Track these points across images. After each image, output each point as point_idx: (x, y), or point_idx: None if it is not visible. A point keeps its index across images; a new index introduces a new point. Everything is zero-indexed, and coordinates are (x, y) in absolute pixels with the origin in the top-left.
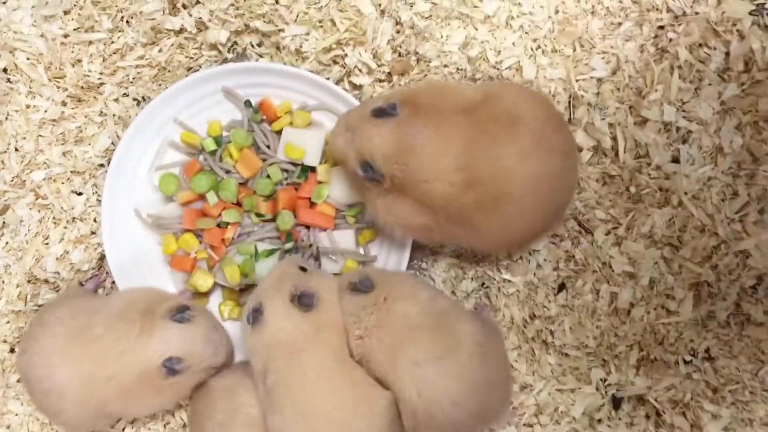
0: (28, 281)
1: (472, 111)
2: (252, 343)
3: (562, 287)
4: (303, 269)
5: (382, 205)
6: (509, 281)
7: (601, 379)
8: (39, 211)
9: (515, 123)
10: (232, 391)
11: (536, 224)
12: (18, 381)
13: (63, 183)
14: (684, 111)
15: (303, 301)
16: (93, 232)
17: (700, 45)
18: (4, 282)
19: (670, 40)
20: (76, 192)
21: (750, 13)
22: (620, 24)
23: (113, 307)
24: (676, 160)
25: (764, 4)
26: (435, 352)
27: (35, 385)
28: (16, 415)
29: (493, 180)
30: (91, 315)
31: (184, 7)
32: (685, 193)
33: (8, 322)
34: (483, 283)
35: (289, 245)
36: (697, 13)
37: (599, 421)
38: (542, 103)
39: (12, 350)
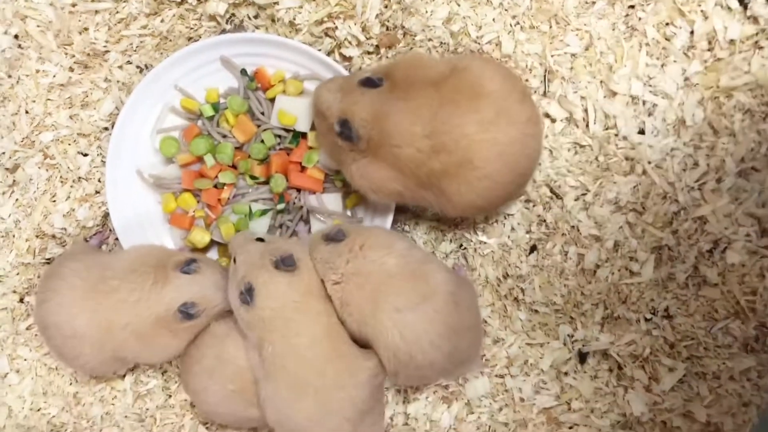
0: (37, 236)
1: (441, 83)
2: (248, 319)
3: (533, 249)
4: (261, 240)
5: (356, 169)
6: (485, 243)
7: (568, 335)
8: (47, 170)
9: (478, 95)
10: (222, 341)
11: (498, 190)
12: (27, 329)
13: (70, 144)
14: (650, 86)
15: (286, 262)
16: (97, 192)
17: (667, 24)
18: (14, 236)
19: (639, 18)
20: (82, 153)
21: None
22: (594, 3)
23: (125, 262)
24: (641, 131)
25: None
26: (413, 299)
27: (55, 332)
28: (25, 360)
29: (456, 147)
30: (105, 269)
31: None
32: (649, 163)
33: (18, 274)
34: (461, 245)
35: (281, 206)
36: None
37: (566, 373)
38: (506, 76)
39: (21, 300)
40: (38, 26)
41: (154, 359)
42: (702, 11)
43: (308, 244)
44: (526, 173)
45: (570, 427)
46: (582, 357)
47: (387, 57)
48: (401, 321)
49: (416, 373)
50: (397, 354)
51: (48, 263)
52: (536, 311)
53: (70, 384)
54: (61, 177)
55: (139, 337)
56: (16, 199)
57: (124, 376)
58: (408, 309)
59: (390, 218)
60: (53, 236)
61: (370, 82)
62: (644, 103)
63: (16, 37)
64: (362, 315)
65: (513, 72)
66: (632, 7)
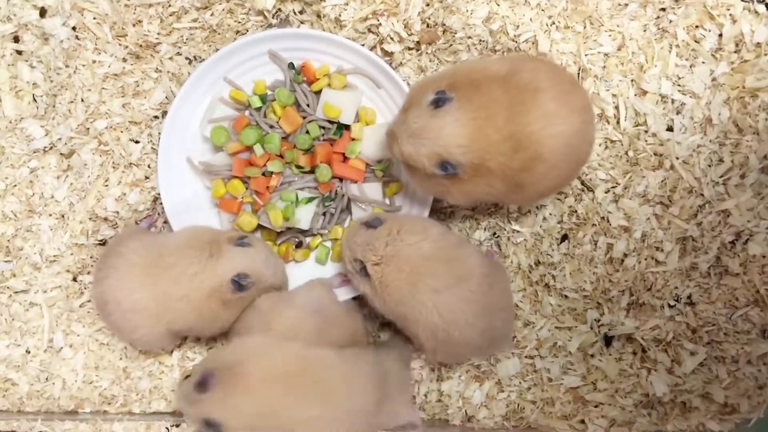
0: (90, 218)
1: (502, 85)
2: None
3: (564, 238)
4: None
5: (458, 191)
6: (518, 231)
7: (595, 320)
8: (101, 156)
9: (537, 91)
10: (266, 315)
11: (563, 177)
12: (80, 306)
13: (122, 132)
14: (679, 85)
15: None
16: (147, 177)
17: (697, 26)
18: (68, 218)
19: (670, 21)
20: (133, 140)
21: (742, 0)
22: (627, 5)
23: (181, 240)
24: (670, 128)
25: None
26: (449, 281)
27: (114, 307)
28: (78, 335)
29: (529, 144)
30: (160, 248)
31: None
32: (677, 158)
33: (72, 254)
34: (494, 233)
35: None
36: None
37: (592, 356)
38: (554, 70)
39: (74, 279)
40: (95, 18)
41: (206, 331)
42: (731, 15)
43: (348, 230)
44: (585, 159)
45: (595, 406)
46: (608, 340)
47: (427, 53)
48: (440, 301)
49: (453, 350)
50: (436, 332)
51: (101, 245)
52: (566, 297)
53: (120, 359)
54: (113, 162)
55: (194, 308)
56: (71, 183)
57: (172, 351)
58: (445, 290)
59: (428, 207)
60: (105, 219)
61: (440, 101)
62: (673, 101)
63: (73, 28)
64: (401, 295)
65: (559, 66)
66: (663, 9)
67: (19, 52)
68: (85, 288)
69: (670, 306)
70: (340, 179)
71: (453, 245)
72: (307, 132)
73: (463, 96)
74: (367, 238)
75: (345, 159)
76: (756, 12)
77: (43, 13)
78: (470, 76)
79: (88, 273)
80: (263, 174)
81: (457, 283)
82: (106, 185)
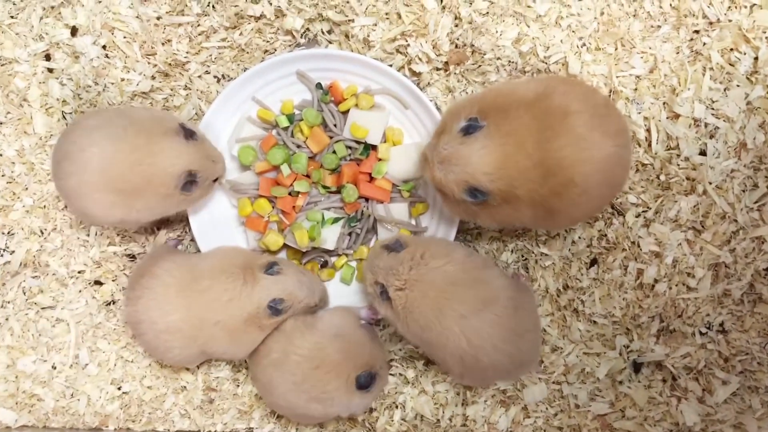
0: (118, 234)
1: (531, 109)
2: None
3: (594, 262)
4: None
5: (487, 217)
6: (546, 255)
7: (624, 346)
8: None
9: (568, 115)
10: (289, 336)
11: (596, 203)
12: (107, 321)
13: None
14: (713, 109)
15: None
16: None
17: (731, 49)
18: (97, 233)
19: (704, 43)
20: None
21: None
22: (659, 27)
23: (214, 263)
24: (703, 152)
25: None
26: (476, 305)
27: (148, 327)
28: (104, 352)
29: (559, 169)
30: (193, 270)
31: None
32: (710, 183)
33: (99, 269)
34: (522, 256)
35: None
36: (730, 21)
37: (620, 382)
38: (587, 92)
39: (101, 295)
40: (125, 37)
41: (240, 354)
42: (767, 38)
43: (369, 253)
44: (621, 183)
45: None
46: (637, 367)
47: (455, 73)
48: (467, 326)
49: (480, 375)
50: (464, 358)
51: (131, 260)
52: (594, 322)
53: (145, 377)
54: None
55: (229, 333)
56: None
57: (199, 367)
58: (472, 315)
59: (455, 228)
60: (132, 234)
61: (471, 128)
62: (706, 125)
63: (104, 47)
64: (426, 321)
65: (592, 87)
66: (697, 32)
67: (50, 70)
68: (112, 304)
69: (701, 333)
70: (367, 199)
71: (478, 267)
72: (334, 152)
73: (492, 122)
74: (390, 262)
75: (371, 179)
76: None
77: (74, 32)
78: (499, 101)
79: (127, 291)
80: (290, 194)
81: (484, 307)
82: None
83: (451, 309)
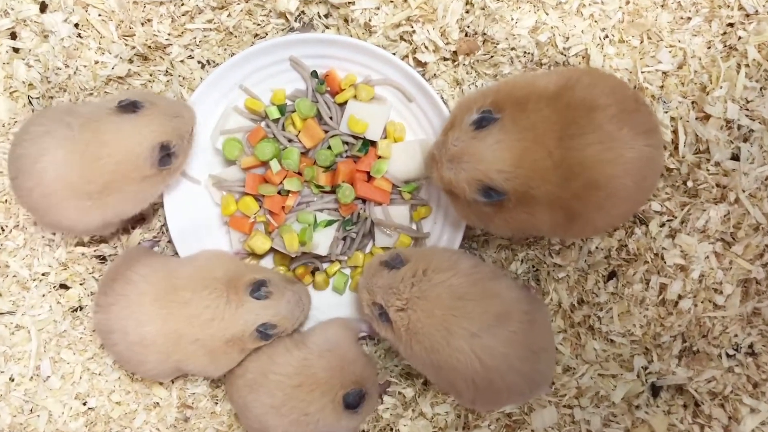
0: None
1: (552, 102)
2: None
3: (612, 275)
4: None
5: (502, 221)
6: (559, 266)
7: (642, 367)
8: None
9: (594, 110)
10: (270, 355)
11: (624, 208)
12: (72, 329)
13: None
14: (748, 110)
15: None
16: None
17: None
18: (62, 234)
19: (740, 38)
20: None
21: None
22: (690, 19)
23: (194, 273)
24: (735, 157)
25: None
26: (487, 321)
27: (120, 337)
28: (68, 363)
29: (582, 170)
30: (171, 277)
31: None
32: (743, 191)
33: (65, 272)
34: (533, 266)
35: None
36: None
37: (637, 407)
38: (615, 86)
39: (66, 300)
40: (100, 15)
41: (216, 373)
42: None
43: (365, 269)
44: (651, 187)
45: None
46: (656, 391)
47: (464, 64)
48: (479, 346)
49: (494, 398)
50: (476, 380)
51: (102, 262)
52: (612, 341)
53: (113, 391)
54: None
55: (208, 352)
56: None
57: (173, 381)
58: (484, 332)
59: (460, 235)
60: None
61: (484, 121)
62: (740, 127)
63: (76, 25)
64: (432, 342)
65: (621, 80)
66: (731, 25)
67: (16, 50)
68: (79, 310)
69: (728, 355)
70: (364, 201)
71: (487, 278)
72: (329, 147)
73: (507, 116)
74: (389, 280)
75: (370, 179)
76: None
77: (43, 8)
78: (516, 92)
79: (83, 295)
80: (279, 192)
81: (497, 323)
82: None
83: (460, 327)
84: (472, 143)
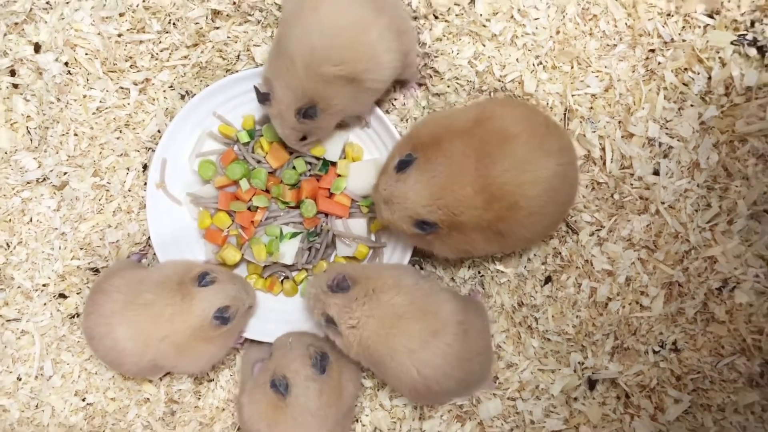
0: (81, 248)
1: (468, 135)
2: None
3: (548, 279)
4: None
5: (441, 245)
6: (502, 272)
7: (578, 363)
8: (93, 189)
9: (507, 139)
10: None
11: (545, 222)
12: (70, 333)
13: (115, 164)
14: (667, 128)
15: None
16: (142, 207)
17: (685, 69)
18: (60, 248)
19: (659, 63)
20: (126, 171)
21: (732, 43)
22: (615, 46)
23: (155, 277)
24: (656, 172)
25: (745, 35)
26: (425, 337)
27: (98, 342)
28: (68, 364)
29: (502, 194)
30: (140, 284)
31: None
32: (663, 203)
33: (63, 281)
34: (479, 272)
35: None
36: (684, 40)
37: (575, 399)
38: (526, 113)
39: (65, 308)
40: (86, 54)
41: (191, 368)
42: (720, 58)
43: (310, 286)
44: (569, 201)
45: None
46: (591, 384)
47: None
48: (417, 360)
49: (432, 399)
50: (417, 387)
51: (94, 273)
52: (548, 339)
53: (108, 389)
54: (107, 195)
55: (177, 347)
56: (63, 214)
57: (161, 378)
58: (421, 348)
59: (413, 245)
60: (95, 248)
61: (403, 164)
62: (660, 144)
63: (66, 64)
64: (379, 356)
65: (532, 106)
66: (652, 51)
67: (15, 86)
68: (76, 316)
69: (654, 352)
70: (326, 215)
71: (426, 295)
72: (294, 167)
73: (422, 156)
74: (341, 300)
75: (331, 195)
76: (746, 55)
77: (37, 48)
78: (432, 132)
79: (79, 303)
80: (249, 208)
81: (433, 338)
82: (101, 213)
83: (401, 345)
84: (397, 186)
